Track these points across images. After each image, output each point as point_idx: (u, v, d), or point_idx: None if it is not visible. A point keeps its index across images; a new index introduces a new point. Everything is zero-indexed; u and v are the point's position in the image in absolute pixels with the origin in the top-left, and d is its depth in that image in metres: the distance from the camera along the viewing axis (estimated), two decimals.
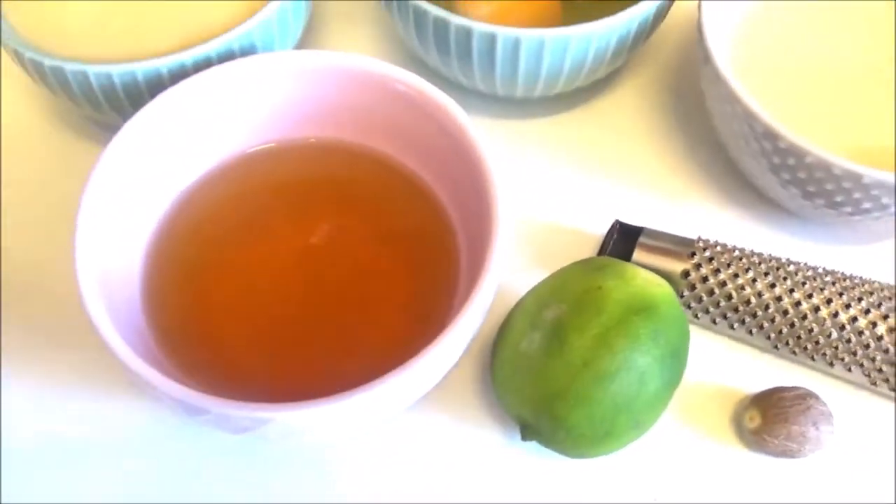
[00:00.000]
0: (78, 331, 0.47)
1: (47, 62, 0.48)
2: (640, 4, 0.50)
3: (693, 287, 0.48)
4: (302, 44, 0.56)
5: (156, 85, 0.48)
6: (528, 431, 0.44)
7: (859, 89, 0.52)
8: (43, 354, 0.49)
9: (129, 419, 0.48)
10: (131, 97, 0.49)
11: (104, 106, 0.50)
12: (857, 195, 0.46)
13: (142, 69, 0.48)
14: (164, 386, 0.38)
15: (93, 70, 0.48)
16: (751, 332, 0.48)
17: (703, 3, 0.51)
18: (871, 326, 0.46)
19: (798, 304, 0.47)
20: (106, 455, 0.47)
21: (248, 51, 0.50)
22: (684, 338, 0.44)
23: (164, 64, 0.48)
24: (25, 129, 0.57)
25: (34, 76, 0.50)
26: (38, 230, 0.53)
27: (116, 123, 0.49)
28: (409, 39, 0.54)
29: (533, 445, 0.45)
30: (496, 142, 0.45)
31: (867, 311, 0.46)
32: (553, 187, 0.55)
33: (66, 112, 0.57)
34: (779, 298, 0.47)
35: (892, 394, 0.47)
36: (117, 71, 0.48)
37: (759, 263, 0.48)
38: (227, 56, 0.49)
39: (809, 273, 0.48)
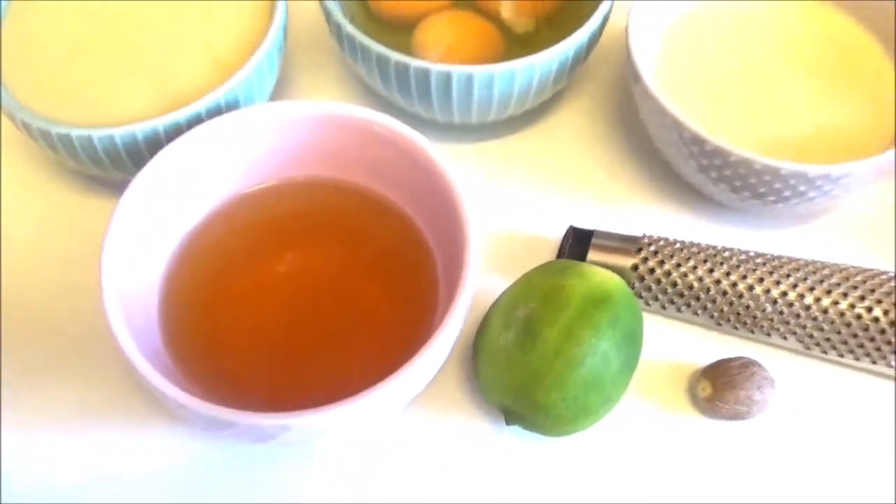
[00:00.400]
0: (81, 370, 0.50)
1: (55, 130, 0.49)
2: (576, 34, 0.52)
3: (642, 278, 0.50)
4: (276, 92, 0.57)
5: (153, 143, 0.49)
6: (512, 417, 0.46)
7: (770, 88, 0.54)
8: (46, 392, 0.50)
9: (125, 436, 0.49)
10: (132, 155, 0.50)
11: (107, 164, 0.51)
12: (777, 185, 0.49)
13: (140, 130, 0.49)
14: (196, 406, 0.39)
15: (97, 134, 0.49)
16: (696, 313, 0.50)
17: (629, 29, 0.53)
18: (799, 298, 0.48)
19: (735, 284, 0.49)
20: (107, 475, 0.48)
21: (232, 105, 0.51)
22: (638, 323, 0.46)
23: (161, 123, 0.49)
24: (24, 184, 0.57)
25: (39, 141, 0.51)
26: (40, 279, 0.53)
27: (115, 178, 0.51)
28: (372, 81, 0.56)
29: (516, 430, 0.47)
30: (458, 165, 0.46)
31: (795, 286, 0.48)
32: (511, 200, 0.57)
33: (62, 167, 0.57)
34: (718, 281, 0.49)
35: (824, 355, 0.49)
36: (119, 133, 0.49)
37: (699, 252, 0.50)
38: (215, 112, 0.50)
39: (742, 257, 0.50)
